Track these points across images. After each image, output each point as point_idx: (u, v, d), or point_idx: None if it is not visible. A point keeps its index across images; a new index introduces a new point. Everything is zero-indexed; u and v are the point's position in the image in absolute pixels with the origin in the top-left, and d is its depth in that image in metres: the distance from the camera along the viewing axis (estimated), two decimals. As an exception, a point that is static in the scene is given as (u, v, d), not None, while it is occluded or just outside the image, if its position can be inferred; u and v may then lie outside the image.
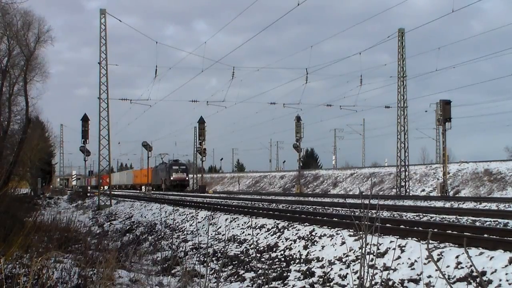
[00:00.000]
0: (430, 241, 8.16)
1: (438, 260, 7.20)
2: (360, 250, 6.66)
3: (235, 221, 14.90)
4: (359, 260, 5.84)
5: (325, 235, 10.39)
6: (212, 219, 16.03)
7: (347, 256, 8.72)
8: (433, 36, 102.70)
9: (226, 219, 15.46)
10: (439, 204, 19.54)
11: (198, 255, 11.40)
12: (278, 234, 11.94)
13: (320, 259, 9.23)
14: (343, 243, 9.26)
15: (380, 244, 8.30)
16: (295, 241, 10.92)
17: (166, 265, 10.11)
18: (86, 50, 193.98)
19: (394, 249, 8.01)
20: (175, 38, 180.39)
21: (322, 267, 8.68)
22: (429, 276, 6.78)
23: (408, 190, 35.99)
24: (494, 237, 8.96)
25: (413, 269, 7.37)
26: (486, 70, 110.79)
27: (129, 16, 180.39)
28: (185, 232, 15.67)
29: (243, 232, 13.43)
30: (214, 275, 8.89)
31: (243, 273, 9.14)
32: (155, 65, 36.79)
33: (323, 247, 9.80)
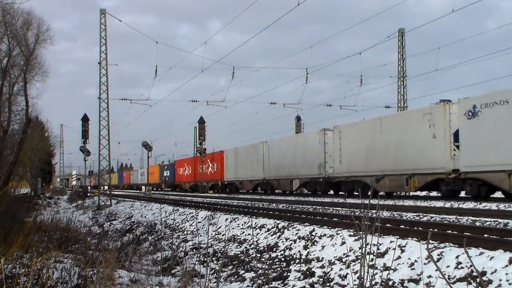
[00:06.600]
0: (430, 241, 8.16)
1: (438, 260, 7.19)
2: (360, 250, 6.66)
3: (235, 221, 14.89)
4: (359, 260, 5.83)
5: (325, 235, 10.39)
6: (212, 219, 16.03)
7: (347, 256, 8.72)
8: (446, 35, 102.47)
9: (226, 219, 15.46)
10: (439, 204, 19.51)
11: (198, 255, 11.40)
12: (278, 234, 11.94)
13: (320, 259, 9.23)
14: (343, 243, 9.26)
15: (380, 244, 8.30)
16: (295, 241, 10.92)
17: (166, 265, 10.11)
18: (98, 49, 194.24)
19: (394, 249, 8.00)
20: (189, 37, 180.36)
21: (322, 267, 8.68)
22: (429, 276, 6.77)
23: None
24: (494, 237, 8.94)
25: (413, 269, 7.36)
26: (496, 69, 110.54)
27: (145, 16, 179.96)
28: (185, 232, 15.67)
29: (243, 232, 13.43)
30: (214, 275, 8.89)
31: (243, 273, 9.14)
32: (155, 64, 36.79)
33: (323, 247, 9.80)
